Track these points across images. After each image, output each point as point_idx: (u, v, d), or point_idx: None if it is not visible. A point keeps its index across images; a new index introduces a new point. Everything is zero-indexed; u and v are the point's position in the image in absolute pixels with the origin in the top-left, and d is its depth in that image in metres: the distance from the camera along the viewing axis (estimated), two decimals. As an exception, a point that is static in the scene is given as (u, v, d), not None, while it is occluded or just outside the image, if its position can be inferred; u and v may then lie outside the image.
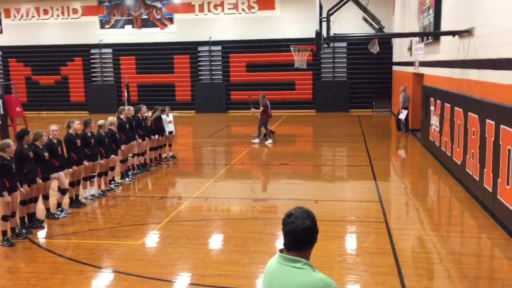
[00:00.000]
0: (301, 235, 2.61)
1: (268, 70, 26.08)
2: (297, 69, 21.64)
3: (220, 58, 27.03)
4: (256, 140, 16.23)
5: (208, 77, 27.30)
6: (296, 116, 24.48)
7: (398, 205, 9.18)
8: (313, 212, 2.69)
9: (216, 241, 7.48)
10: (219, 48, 26.96)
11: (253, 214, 8.72)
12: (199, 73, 27.24)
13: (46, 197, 8.28)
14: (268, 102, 16.68)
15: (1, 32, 28.32)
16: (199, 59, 27.18)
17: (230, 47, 26.68)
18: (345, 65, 26.12)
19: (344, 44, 25.83)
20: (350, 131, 18.79)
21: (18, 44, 27.94)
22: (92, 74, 28.05)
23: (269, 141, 16.09)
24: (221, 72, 27.10)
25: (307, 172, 12.40)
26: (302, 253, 2.64)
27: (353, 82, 25.75)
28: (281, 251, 2.70)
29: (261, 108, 16.31)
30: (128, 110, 11.60)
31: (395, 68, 23.98)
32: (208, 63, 27.18)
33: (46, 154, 8.00)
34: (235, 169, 12.86)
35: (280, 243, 7.27)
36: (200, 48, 27.14)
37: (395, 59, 23.93)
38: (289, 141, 17.31)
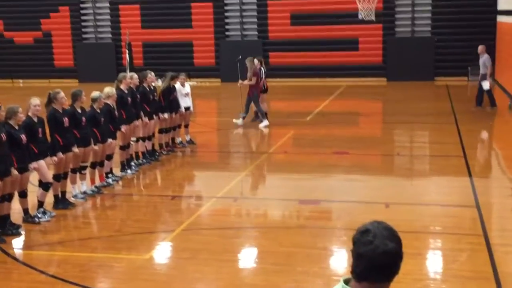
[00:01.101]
0: (381, 261, 2.57)
1: (320, 23, 25.86)
2: (362, 21, 21.39)
3: (255, 7, 26.97)
4: (239, 121, 16.01)
5: (239, 33, 27.31)
6: (360, 86, 24.28)
7: (503, 212, 9.02)
8: (384, 220, 2.68)
9: (248, 258, 7.54)
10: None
11: (299, 221, 8.75)
12: (226, 27, 27.28)
13: (23, 194, 8.53)
14: (262, 68, 16.32)
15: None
16: (226, 8, 27.20)
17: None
18: (429, 15, 25.61)
19: (429, -15, 25.31)
20: (435, 108, 18.51)
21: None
22: (83, 30, 28.50)
23: (264, 123, 15.84)
24: (256, 27, 27.06)
25: (373, 164, 12.31)
26: (378, 286, 2.62)
27: (441, 39, 25.24)
28: (346, 281, 2.67)
29: (250, 78, 15.87)
30: (131, 78, 11.77)
31: (501, 18, 23.34)
32: (239, 14, 27.17)
33: (23, 136, 8.22)
34: (275, 159, 12.89)
35: (338, 263, 7.30)
36: (228, -7, 27.13)
37: (503, 5, 23.28)
38: (348, 121, 17.21)
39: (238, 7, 27.15)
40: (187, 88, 13.39)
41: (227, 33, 27.35)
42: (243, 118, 16.05)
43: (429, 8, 25.60)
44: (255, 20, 27.07)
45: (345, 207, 9.26)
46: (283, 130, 15.65)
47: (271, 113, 16.60)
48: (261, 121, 15.96)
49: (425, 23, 25.77)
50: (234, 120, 16.11)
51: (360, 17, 20.04)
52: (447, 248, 7.55)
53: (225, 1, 27.18)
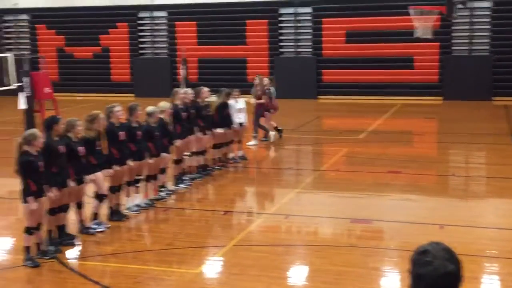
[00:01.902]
0: (441, 282, 2.54)
1: (375, 41, 25.70)
2: (418, 39, 21.13)
3: (310, 24, 27.03)
4: (252, 142, 15.55)
5: (293, 50, 27.40)
6: (415, 105, 23.96)
7: None
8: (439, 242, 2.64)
9: (299, 275, 7.50)
10: (308, 10, 26.97)
11: (350, 240, 8.67)
12: (280, 44, 27.41)
13: (79, 206, 8.73)
14: (271, 88, 15.98)
15: (29, -10, 30.17)
16: (280, 25, 27.36)
17: (324, 8, 26.60)
18: (488, 33, 25.14)
19: (488, 3, 24.86)
20: (493, 128, 18.08)
21: (50, 6, 29.60)
22: (140, 46, 29.12)
23: (254, 142, 15.41)
24: (310, 44, 27.11)
25: (427, 184, 12.10)
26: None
27: (499, 58, 24.72)
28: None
29: (260, 97, 15.53)
30: (185, 93, 11.93)
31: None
32: (293, 31, 27.28)
33: (81, 149, 8.43)
34: (327, 177, 12.81)
35: (390, 284, 7.18)
36: (282, 11, 27.30)
37: None
38: (403, 140, 16.99)
39: (292, 24, 27.26)
40: (241, 104, 13.47)
41: (281, 50, 27.47)
42: (256, 137, 15.77)
43: (488, 26, 25.15)
44: (310, 37, 27.10)
45: (398, 227, 9.12)
46: (335, 148, 15.57)
47: (324, 131, 16.58)
48: (254, 138, 15.70)
49: (483, 42, 25.31)
50: (248, 144, 15.48)
51: (416, 35, 19.80)
52: (504, 273, 7.35)
53: (280, 18, 27.34)
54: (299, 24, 27.20)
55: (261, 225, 9.40)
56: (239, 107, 13.40)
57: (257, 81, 15.79)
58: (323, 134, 18.13)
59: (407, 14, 20.49)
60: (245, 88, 16.37)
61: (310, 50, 27.15)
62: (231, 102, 13.20)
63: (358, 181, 12.16)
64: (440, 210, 10.09)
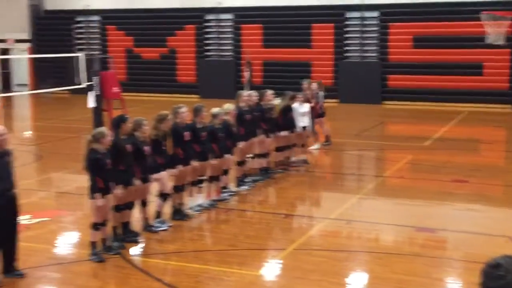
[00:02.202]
0: None
1: (443, 47, 25.17)
2: (488, 45, 20.59)
3: (376, 28, 26.73)
4: (314, 146, 15.29)
5: (358, 55, 27.15)
6: (483, 113, 23.32)
7: None
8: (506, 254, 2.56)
9: (360, 282, 7.42)
10: (375, 14, 26.67)
11: (413, 248, 8.51)
12: (345, 48, 27.21)
13: (144, 204, 8.90)
14: (318, 92, 15.34)
15: (101, -8, 31.01)
16: (345, 29, 27.16)
17: (391, 13, 26.25)
18: None
19: None
20: None
21: (120, 8, 30.33)
22: (206, 48, 29.46)
23: (316, 146, 15.29)
24: (376, 48, 26.80)
25: (495, 195, 11.77)
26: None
27: None
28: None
29: (308, 101, 14.63)
30: (249, 95, 11.99)
31: None
32: (359, 35, 27.02)
33: (147, 148, 8.59)
34: (390, 184, 12.63)
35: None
36: (348, 15, 27.10)
37: None
38: (469, 148, 16.57)
39: (358, 29, 27.02)
40: (305, 108, 13.44)
41: (346, 54, 27.26)
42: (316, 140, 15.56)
43: None
44: (376, 41, 26.80)
45: (463, 238, 8.90)
46: (399, 154, 15.34)
47: (388, 137, 16.34)
48: (316, 142, 15.46)
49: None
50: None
51: (488, 41, 19.28)
52: None
53: (346, 22, 27.15)
54: (365, 29, 26.93)
55: (322, 230, 9.35)
56: (303, 111, 13.37)
57: (305, 85, 15.65)
58: (387, 140, 17.84)
59: (478, 19, 20.01)
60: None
61: (376, 54, 26.84)
62: (295, 105, 13.19)
63: (422, 189, 11.94)
64: (508, 222, 9.80)
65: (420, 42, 25.62)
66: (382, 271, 7.54)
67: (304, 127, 13.40)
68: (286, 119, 12.88)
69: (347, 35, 27.19)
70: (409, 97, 25.70)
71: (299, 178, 12.90)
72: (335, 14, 27.13)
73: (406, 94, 25.84)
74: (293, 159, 13.57)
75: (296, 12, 27.49)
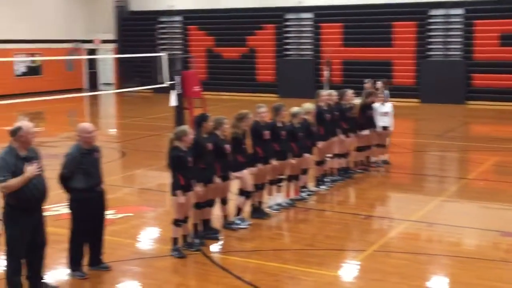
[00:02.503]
0: None
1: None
2: None
3: (461, 26, 25.99)
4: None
5: (441, 53, 26.48)
6: None
7: None
8: None
9: (442, 286, 7.24)
10: (460, 11, 25.94)
11: (499, 253, 8.22)
12: (428, 46, 26.59)
13: (224, 201, 9.01)
14: (384, 91, 14.24)
15: (184, -7, 31.64)
16: (429, 27, 26.54)
17: (477, 10, 25.45)
18: None
19: None
20: None
21: (201, 8, 30.83)
22: (285, 47, 29.51)
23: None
24: (461, 46, 26.05)
25: None
26: None
27: None
28: None
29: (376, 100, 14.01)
30: (329, 95, 11.92)
31: None
32: (443, 33, 26.35)
33: (228, 146, 8.70)
34: (474, 186, 12.26)
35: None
36: (432, 12, 26.46)
37: None
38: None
39: (442, 27, 26.36)
40: (388, 107, 13.22)
41: (428, 52, 26.65)
42: None
43: None
44: (461, 39, 26.06)
45: (553, 244, 8.52)
46: (484, 156, 14.85)
47: (472, 138, 15.87)
48: None
49: None
50: None
51: None
52: None
53: (429, 20, 26.54)
54: (449, 26, 26.23)
55: (403, 232, 9.18)
56: (385, 111, 13.16)
57: (367, 85, 15.32)
58: (471, 141, 17.30)
59: None
60: (391, 91, 15.95)
61: (460, 53, 26.10)
62: (376, 105, 13.01)
63: (508, 192, 11.52)
64: None
65: (508, 40, 24.72)
66: (467, 276, 7.33)
67: (385, 127, 13.19)
68: (365, 118, 12.72)
69: (430, 33, 26.57)
70: (495, 97, 24.86)
71: (379, 179, 12.72)
72: (418, 12, 26.57)
73: (492, 94, 25.00)
74: (374, 159, 13.39)
75: (377, 10, 27.11)
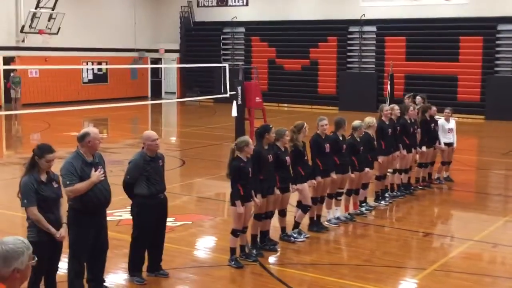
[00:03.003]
0: None
1: None
2: None
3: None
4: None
5: (509, 69, 25.78)
6: None
7: None
8: None
9: (504, 310, 7.03)
10: (529, 26, 25.22)
11: None
12: (496, 62, 25.94)
13: (283, 213, 9.00)
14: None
15: (247, 5, 31.92)
16: (497, 42, 25.90)
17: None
18: None
19: None
20: None
21: (264, 19, 31.02)
22: (348, 60, 29.34)
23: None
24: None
25: None
26: None
27: None
28: None
29: None
30: (392, 109, 11.77)
31: None
32: (511, 48, 25.66)
33: (288, 158, 8.69)
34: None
35: None
36: (500, 27, 25.81)
37: None
38: None
39: (510, 42, 25.70)
40: (451, 124, 12.98)
41: (496, 68, 26.01)
42: None
43: None
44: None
45: None
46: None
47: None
48: None
49: None
50: None
51: None
52: None
53: (498, 35, 25.90)
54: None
55: (465, 252, 8.94)
56: (450, 127, 12.92)
57: (407, 100, 14.92)
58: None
59: None
60: (455, 107, 15.60)
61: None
62: (441, 121, 12.81)
63: None
64: None
65: None
66: (531, 301, 7.08)
67: (448, 144, 12.94)
68: (428, 134, 12.50)
69: (498, 49, 25.92)
70: None
71: (441, 196, 12.46)
72: (486, 27, 25.96)
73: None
74: (436, 176, 13.15)
75: (443, 25, 26.63)
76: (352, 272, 7.95)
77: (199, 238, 9.52)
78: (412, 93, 15.32)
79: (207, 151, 17.71)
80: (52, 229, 6.11)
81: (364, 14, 28.37)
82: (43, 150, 6.15)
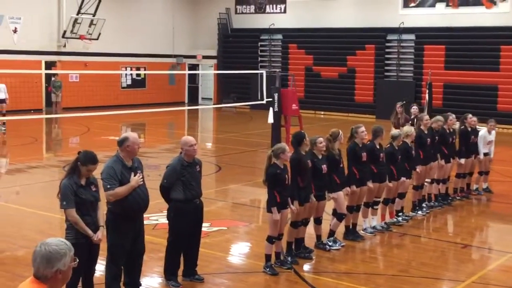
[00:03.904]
0: None
1: None
2: None
3: None
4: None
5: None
6: None
7: None
8: None
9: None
10: None
11: None
12: (537, 72, 25.46)
13: (318, 221, 8.96)
14: (419, 115, 13.03)
15: (284, 12, 31.97)
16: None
17: None
18: None
19: None
20: None
21: (301, 27, 31.02)
22: (386, 68, 29.12)
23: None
24: None
25: None
26: None
27: None
28: None
29: (403, 124, 13.46)
30: (436, 120, 11.63)
31: None
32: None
33: (324, 166, 8.66)
34: None
35: None
36: (543, 36, 25.33)
37: None
38: None
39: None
40: (493, 136, 12.79)
41: (537, 78, 25.52)
42: None
43: None
44: None
45: None
46: None
47: None
48: None
49: None
50: None
51: None
52: None
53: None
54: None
55: (504, 265, 8.77)
56: (491, 139, 12.74)
57: (399, 108, 14.66)
58: None
59: None
60: (496, 117, 15.31)
61: None
62: (482, 132, 12.62)
63: None
64: None
65: None
66: None
67: (485, 153, 12.74)
68: (464, 143, 12.31)
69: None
70: None
71: (480, 208, 12.26)
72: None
73: None
74: (475, 186, 12.95)
75: (483, 33, 26.23)
76: (388, 282, 7.86)
77: (234, 244, 9.53)
78: (404, 101, 15.03)
79: (242, 157, 17.75)
80: (90, 232, 6.19)
81: (402, 22, 28.13)
82: (87, 159, 6.23)
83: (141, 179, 6.64)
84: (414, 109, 14.30)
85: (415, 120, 13.43)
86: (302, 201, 8.27)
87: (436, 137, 11.47)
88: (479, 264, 8.89)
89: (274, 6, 32.21)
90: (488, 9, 26.31)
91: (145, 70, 31.33)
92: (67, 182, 6.22)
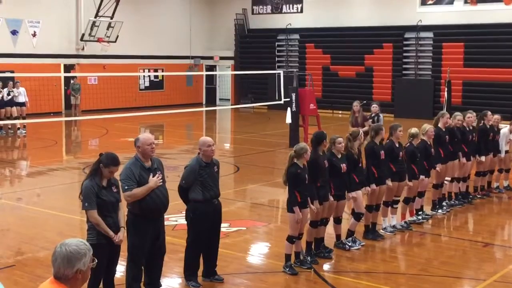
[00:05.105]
0: None
1: None
2: None
3: None
4: None
5: None
6: None
7: None
8: None
9: None
10: None
11: None
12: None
13: (338, 221, 8.94)
14: (379, 115, 13.57)
15: (301, 12, 31.92)
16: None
17: None
18: None
19: None
20: None
21: (318, 26, 30.95)
22: (404, 66, 28.95)
23: None
24: None
25: None
26: None
27: None
28: None
29: (363, 124, 13.78)
30: (454, 118, 11.55)
31: None
32: None
33: (343, 165, 8.63)
34: None
35: None
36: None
37: None
38: None
39: None
40: (512, 134, 12.72)
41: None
42: None
43: None
44: None
45: None
46: None
47: None
48: None
49: None
50: None
51: None
52: None
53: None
54: None
55: (526, 263, 8.69)
56: (510, 138, 12.64)
57: (356, 107, 14.50)
58: None
59: None
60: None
61: None
62: (504, 130, 12.52)
63: None
64: None
65: None
66: None
67: (506, 151, 12.63)
68: (484, 141, 12.19)
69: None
70: None
71: (501, 206, 12.14)
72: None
73: None
74: (496, 184, 12.83)
75: (502, 30, 25.98)
76: (409, 281, 7.82)
77: (253, 244, 9.53)
78: (365, 101, 14.88)
79: (260, 157, 17.74)
80: (111, 232, 6.23)
81: (420, 20, 27.94)
82: (109, 161, 6.28)
83: (160, 180, 6.66)
84: (374, 107, 14.33)
85: (376, 118, 13.43)
86: (321, 200, 8.25)
87: (457, 135, 11.35)
88: (500, 263, 8.80)
89: (291, 6, 32.17)
90: (507, 6, 26.05)
91: (162, 71, 31.45)
92: (89, 184, 6.26)
